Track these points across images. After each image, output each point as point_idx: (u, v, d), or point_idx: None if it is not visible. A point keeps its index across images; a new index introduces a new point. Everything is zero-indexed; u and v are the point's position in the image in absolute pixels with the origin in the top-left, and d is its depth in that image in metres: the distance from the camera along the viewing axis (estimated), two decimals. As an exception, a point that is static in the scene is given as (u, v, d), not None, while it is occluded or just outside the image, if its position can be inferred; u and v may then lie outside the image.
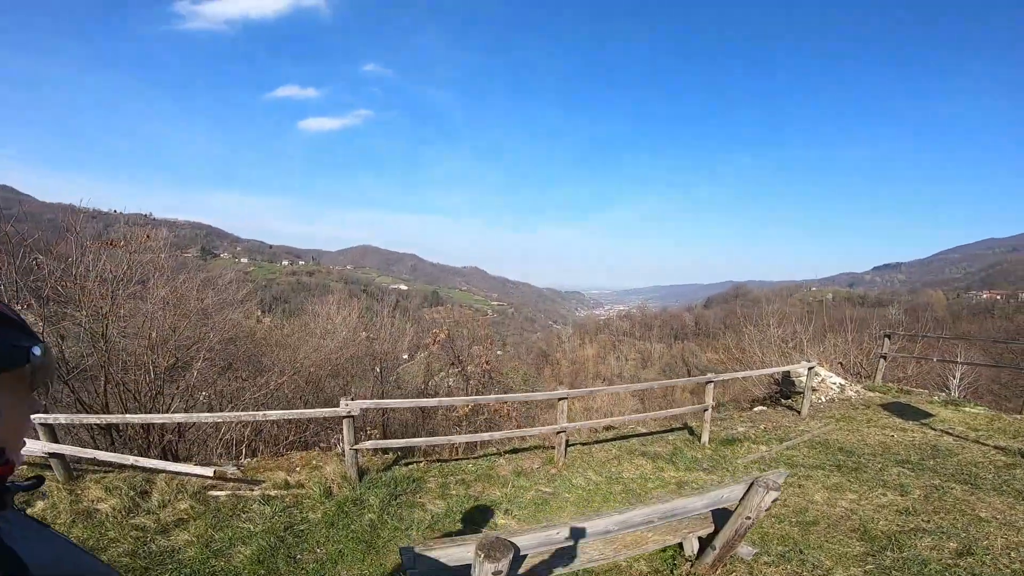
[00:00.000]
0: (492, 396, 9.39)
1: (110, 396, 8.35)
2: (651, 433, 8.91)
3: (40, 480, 0.95)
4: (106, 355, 8.19)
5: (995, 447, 7.45)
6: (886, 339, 12.01)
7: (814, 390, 10.29)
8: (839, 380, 11.16)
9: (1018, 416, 8.88)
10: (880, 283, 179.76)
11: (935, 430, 8.38)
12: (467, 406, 12.93)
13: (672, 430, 9.14)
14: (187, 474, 6.30)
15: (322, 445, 10.93)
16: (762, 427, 9.05)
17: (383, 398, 14.06)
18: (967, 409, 9.49)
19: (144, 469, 6.37)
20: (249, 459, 8.90)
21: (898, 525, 5.25)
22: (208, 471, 6.29)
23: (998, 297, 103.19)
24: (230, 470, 7.12)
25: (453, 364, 13.12)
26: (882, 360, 11.87)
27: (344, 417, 6.39)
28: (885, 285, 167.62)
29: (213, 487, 6.31)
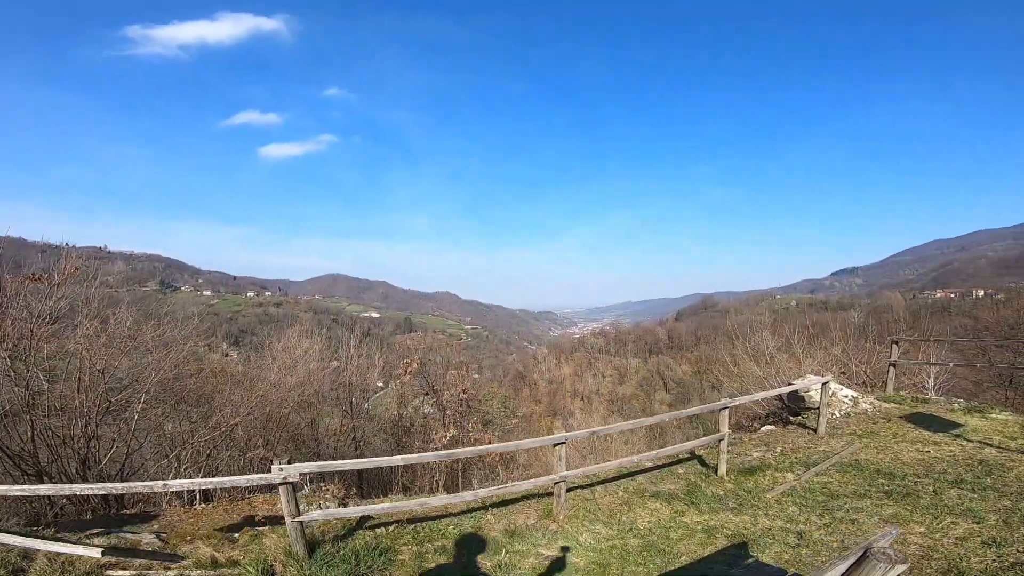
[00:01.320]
0: (472, 449, 7.52)
1: (38, 442, 7.25)
2: (658, 467, 7.83)
3: None
4: (29, 397, 7.04)
5: (1050, 459, 6.65)
6: (894, 345, 11.24)
7: (827, 405, 9.36)
8: (851, 392, 10.31)
9: None
10: (839, 288, 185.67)
11: (971, 441, 7.60)
12: (444, 437, 11.69)
13: (679, 461, 8.06)
14: (71, 554, 4.85)
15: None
16: (778, 450, 8.08)
17: (354, 431, 12.70)
18: (994, 416, 8.79)
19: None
20: (204, 504, 7.65)
21: (995, 560, 4.38)
22: (96, 552, 4.84)
23: (952, 295, 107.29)
24: (145, 539, 5.67)
25: (427, 393, 11.83)
26: (892, 368, 11.15)
27: (280, 484, 5.04)
28: (844, 290, 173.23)
29: (114, 566, 4.87)
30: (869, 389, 11.65)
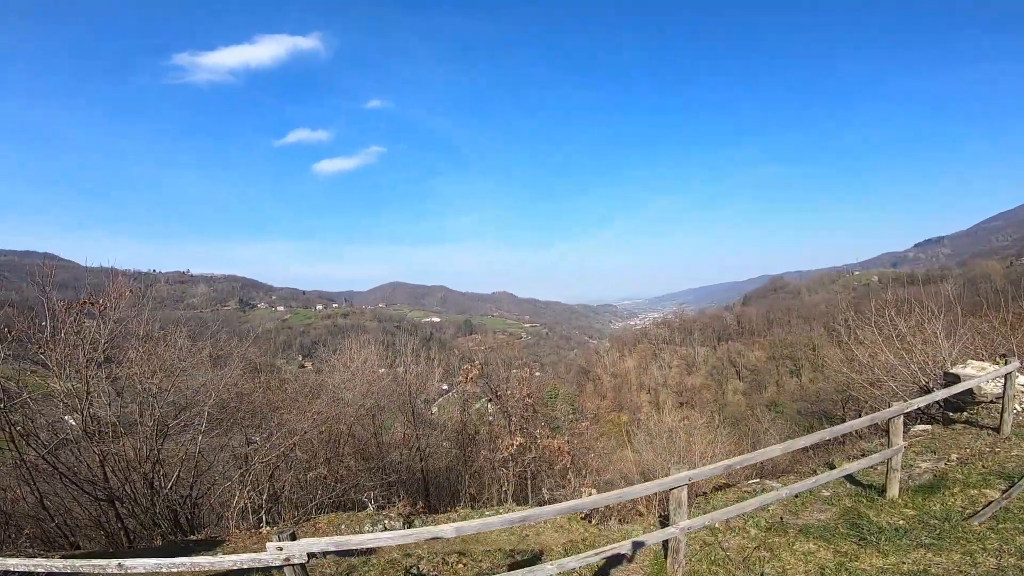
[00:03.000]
0: (560, 506, 4.89)
1: (107, 467, 7.52)
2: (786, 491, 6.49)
3: None
4: (93, 423, 7.30)
5: None
6: None
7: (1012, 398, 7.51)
8: None
9: None
10: (924, 260, 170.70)
11: None
12: (510, 446, 11.35)
13: (813, 474, 6.47)
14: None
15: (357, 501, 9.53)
16: (954, 459, 6.70)
17: (418, 441, 12.56)
18: None
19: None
20: (268, 528, 7.70)
21: None
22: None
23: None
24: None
25: (491, 400, 11.59)
26: None
27: (281, 567, 3.81)
28: (930, 261, 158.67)
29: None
30: None
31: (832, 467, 6.87)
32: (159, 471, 7.76)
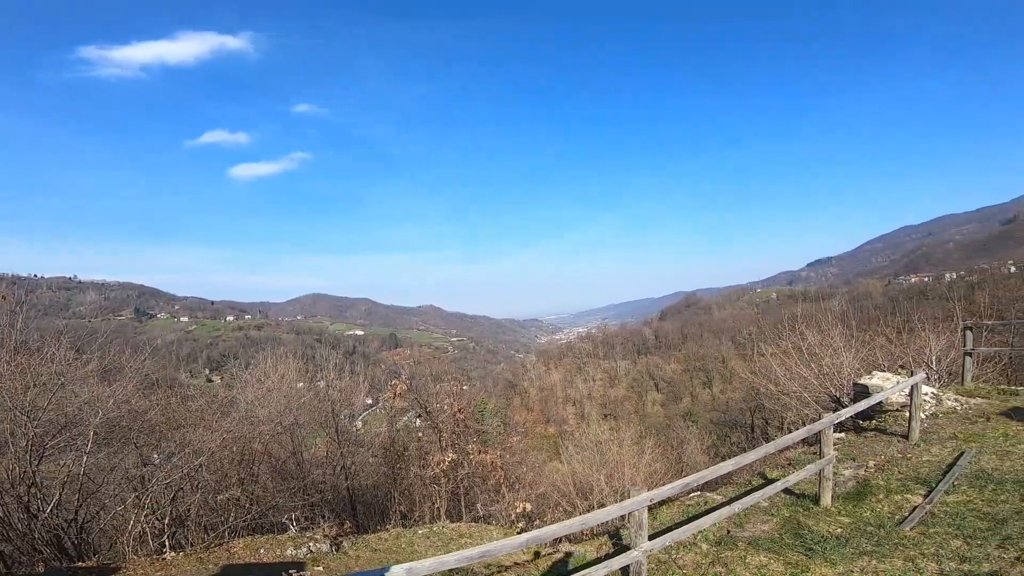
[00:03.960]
0: (510, 542, 4.12)
1: None
2: (728, 500, 6.45)
3: None
4: None
5: None
6: (967, 332, 10.36)
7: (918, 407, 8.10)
8: (929, 389, 9.34)
9: None
10: (815, 278, 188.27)
11: None
12: (442, 462, 10.93)
13: (752, 489, 6.67)
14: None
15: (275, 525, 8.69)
16: (872, 465, 7.05)
17: (342, 459, 11.81)
18: None
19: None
20: (173, 553, 6.79)
21: None
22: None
23: (926, 279, 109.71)
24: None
25: (419, 416, 11.11)
26: (967, 358, 10.36)
27: None
28: (820, 280, 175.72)
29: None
30: (937, 384, 10.73)
31: (764, 477, 7.14)
32: (35, 494, 6.66)
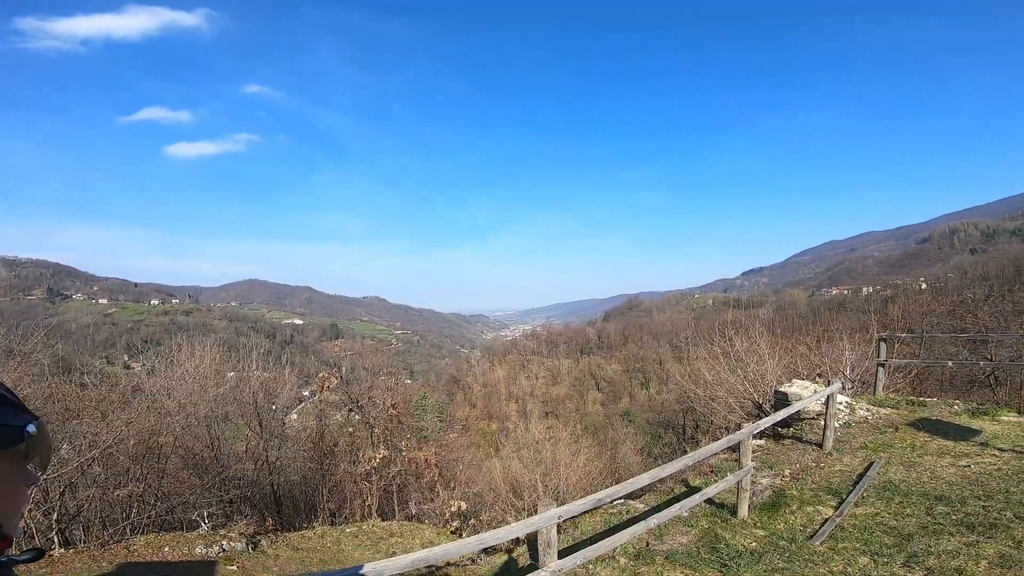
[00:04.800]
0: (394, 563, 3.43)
1: None
2: (650, 511, 6.33)
3: (40, 552, 0.97)
4: None
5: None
6: (882, 344, 10.60)
7: (833, 416, 8.24)
8: (844, 398, 9.54)
9: None
10: (748, 287, 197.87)
11: (1004, 450, 7.02)
12: (373, 459, 10.51)
13: (674, 499, 6.58)
14: None
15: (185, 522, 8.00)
16: (787, 473, 7.12)
17: (267, 454, 11.14)
18: (1004, 419, 8.41)
19: None
20: (63, 550, 6.23)
21: None
22: None
23: (845, 292, 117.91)
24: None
25: (352, 410, 10.59)
26: (880, 369, 10.60)
27: None
28: (753, 288, 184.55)
29: None
30: (852, 393, 11.09)
31: (687, 484, 7.16)
32: None
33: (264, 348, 11.66)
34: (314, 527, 9.16)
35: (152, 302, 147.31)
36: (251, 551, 7.49)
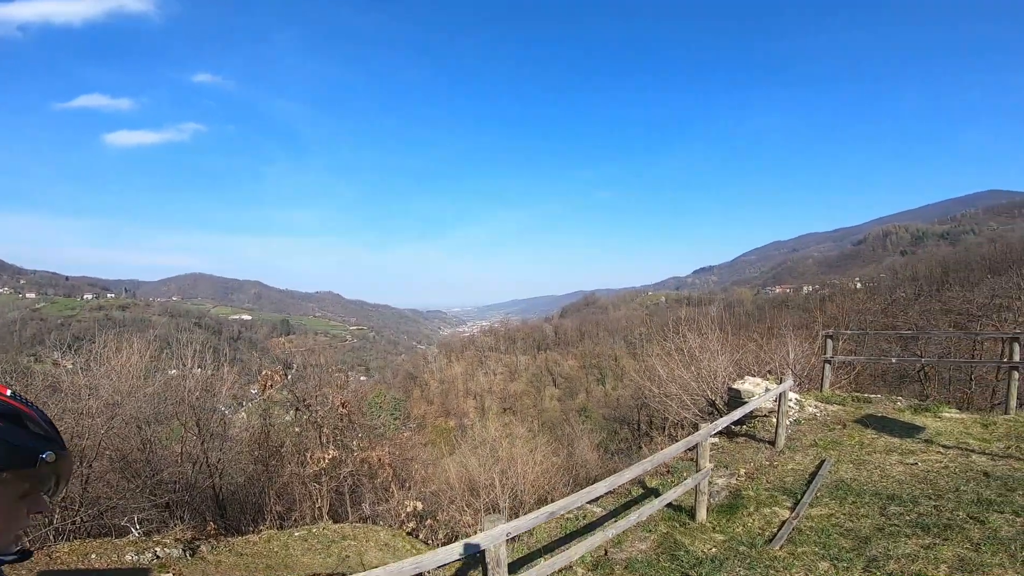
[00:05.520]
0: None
1: None
2: (608, 515, 6.17)
3: (28, 552, 0.98)
4: None
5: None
6: (828, 340, 10.69)
7: (785, 414, 8.23)
8: (794, 396, 9.47)
9: (1005, 416, 8.36)
10: (699, 284, 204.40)
11: (948, 447, 7.13)
12: (322, 460, 10.04)
13: (632, 502, 6.46)
14: None
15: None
16: (743, 473, 7.07)
17: (206, 455, 10.44)
18: (946, 415, 8.57)
19: None
20: None
21: None
22: None
23: (788, 291, 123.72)
24: None
25: (298, 409, 10.06)
26: (827, 365, 10.69)
27: None
28: (703, 286, 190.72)
29: None
30: (799, 390, 11.14)
31: (644, 485, 7.01)
32: None
33: (203, 343, 10.90)
34: (260, 531, 8.68)
35: (85, 296, 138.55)
36: (189, 557, 7.00)
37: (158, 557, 6.82)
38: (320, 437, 10.38)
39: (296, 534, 8.50)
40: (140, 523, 7.86)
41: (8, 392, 0.97)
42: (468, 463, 14.85)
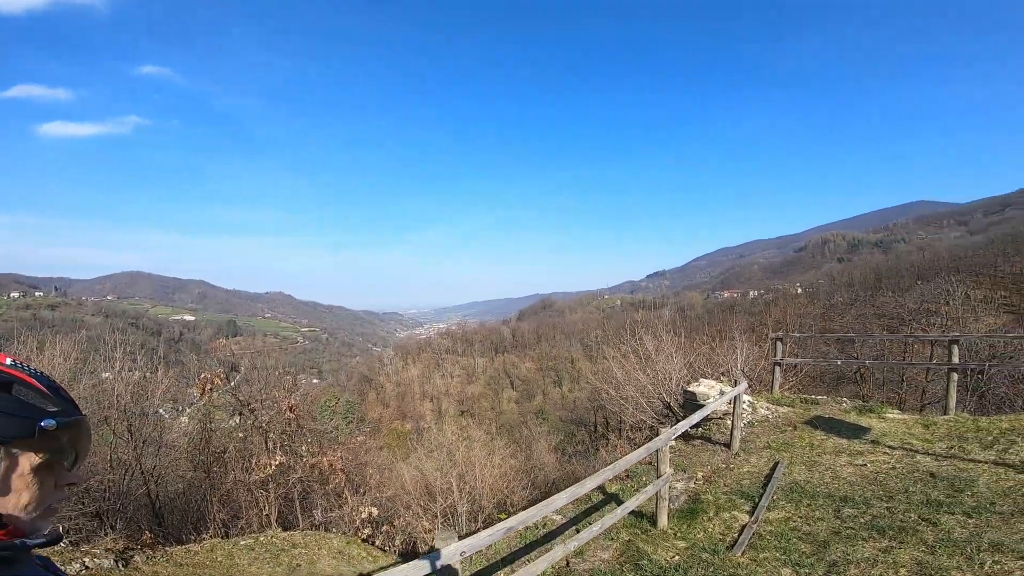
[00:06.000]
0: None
1: None
2: (568, 522, 6.08)
3: (58, 536, 0.95)
4: None
5: (990, 462, 6.43)
6: (778, 343, 10.82)
7: (740, 416, 8.33)
8: (748, 398, 9.58)
9: (944, 417, 8.64)
10: (653, 289, 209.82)
11: (894, 448, 7.31)
12: (268, 466, 9.53)
13: (592, 508, 6.35)
14: None
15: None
16: (700, 476, 7.07)
17: (140, 462, 9.72)
18: (889, 416, 8.81)
19: None
20: None
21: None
22: None
23: (735, 295, 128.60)
24: None
25: (242, 414, 9.52)
26: (777, 367, 10.80)
27: None
28: (656, 291, 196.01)
29: None
30: (751, 391, 11.51)
31: (604, 491, 6.89)
32: None
33: (138, 344, 10.17)
34: (203, 540, 8.13)
35: (11, 295, 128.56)
36: (121, 568, 6.47)
37: (87, 568, 6.31)
38: (266, 442, 9.86)
39: (242, 543, 8.04)
40: (67, 532, 7.34)
41: (7, 360, 0.92)
42: (425, 467, 14.52)
